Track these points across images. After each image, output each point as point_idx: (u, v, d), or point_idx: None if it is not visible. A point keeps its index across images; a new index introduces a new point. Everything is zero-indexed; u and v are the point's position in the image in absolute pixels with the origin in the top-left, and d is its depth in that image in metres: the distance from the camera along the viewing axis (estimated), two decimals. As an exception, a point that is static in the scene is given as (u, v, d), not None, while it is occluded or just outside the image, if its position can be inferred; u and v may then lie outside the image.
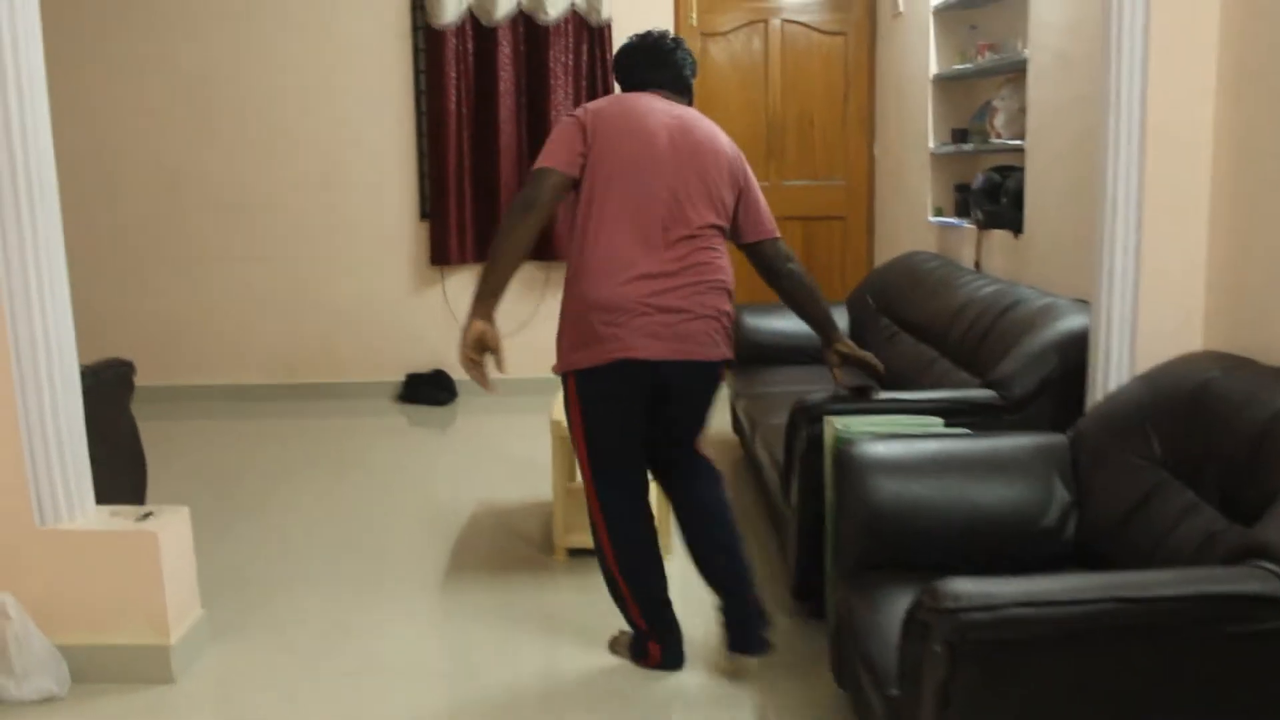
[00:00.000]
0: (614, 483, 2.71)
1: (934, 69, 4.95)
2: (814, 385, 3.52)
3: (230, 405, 5.93)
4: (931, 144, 5.01)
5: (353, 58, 5.77)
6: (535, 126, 5.74)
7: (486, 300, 2.56)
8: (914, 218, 5.27)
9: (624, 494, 2.72)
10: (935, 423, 2.76)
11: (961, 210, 4.94)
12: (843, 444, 2.51)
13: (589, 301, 2.55)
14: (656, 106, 2.65)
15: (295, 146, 5.84)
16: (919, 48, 5.10)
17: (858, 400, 2.92)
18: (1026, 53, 3.94)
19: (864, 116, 6.03)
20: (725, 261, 2.66)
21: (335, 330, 5.98)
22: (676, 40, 2.80)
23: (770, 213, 2.73)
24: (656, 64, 2.75)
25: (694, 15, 5.87)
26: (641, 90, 2.73)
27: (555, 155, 2.57)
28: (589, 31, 5.68)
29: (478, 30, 5.67)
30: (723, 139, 2.71)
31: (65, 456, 2.72)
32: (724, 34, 5.93)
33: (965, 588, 1.65)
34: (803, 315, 2.85)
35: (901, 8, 5.39)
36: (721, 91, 5.91)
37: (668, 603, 2.79)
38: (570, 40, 5.67)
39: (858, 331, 4.52)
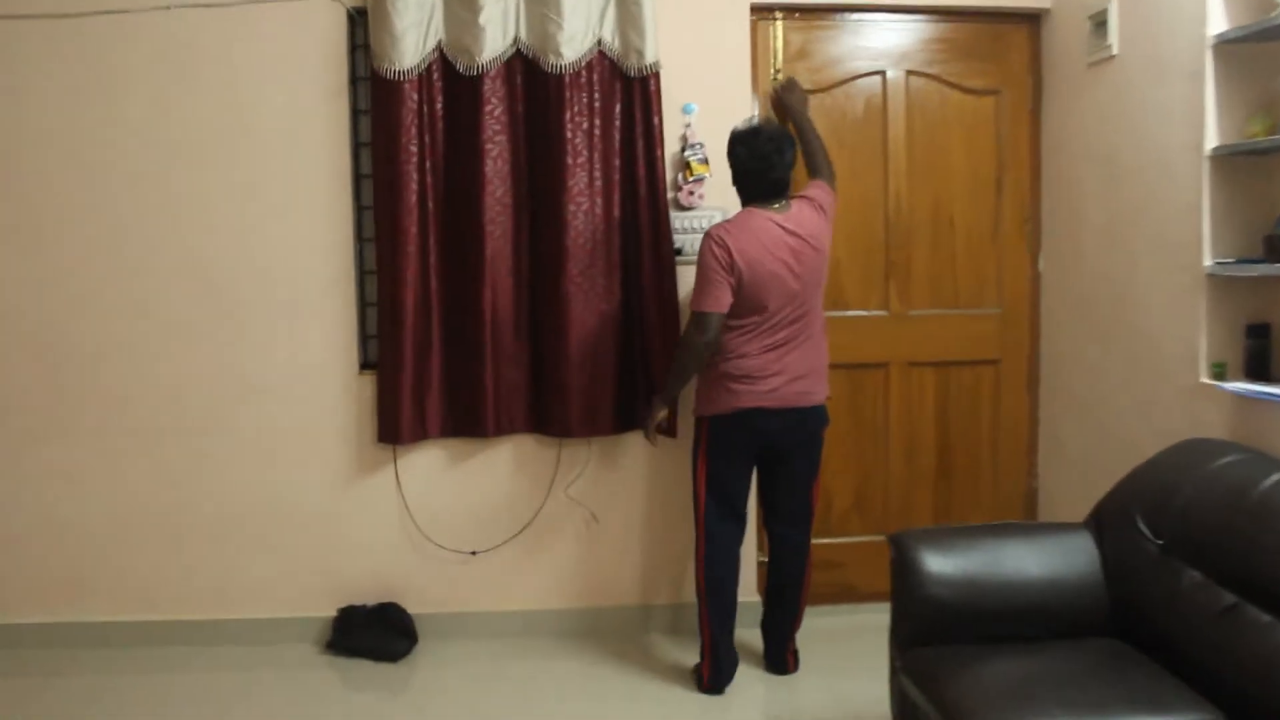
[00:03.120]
0: None
1: (1213, 140, 3.01)
2: None
3: (60, 654, 3.74)
4: (1208, 260, 3.04)
5: (253, 130, 3.73)
6: (542, 226, 3.72)
7: (671, 397, 3.49)
8: (1159, 374, 3.27)
9: None
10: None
11: (1257, 367, 2.99)
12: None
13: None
14: (775, 234, 3.25)
15: (169, 271, 3.76)
16: (1172, 106, 3.16)
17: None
18: None
19: (1027, 212, 4.06)
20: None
21: (226, 541, 3.83)
22: (779, 145, 3.29)
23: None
24: (762, 172, 3.30)
25: (777, 62, 3.90)
26: (758, 198, 3.34)
27: (716, 299, 3.22)
28: (624, 83, 3.70)
29: (452, 79, 3.66)
30: (824, 236, 3.35)
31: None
32: (827, 89, 3.95)
33: None
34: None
35: (1115, 48, 3.46)
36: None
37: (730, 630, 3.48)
38: (596, 94, 3.67)
39: (1125, 578, 2.68)
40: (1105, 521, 2.87)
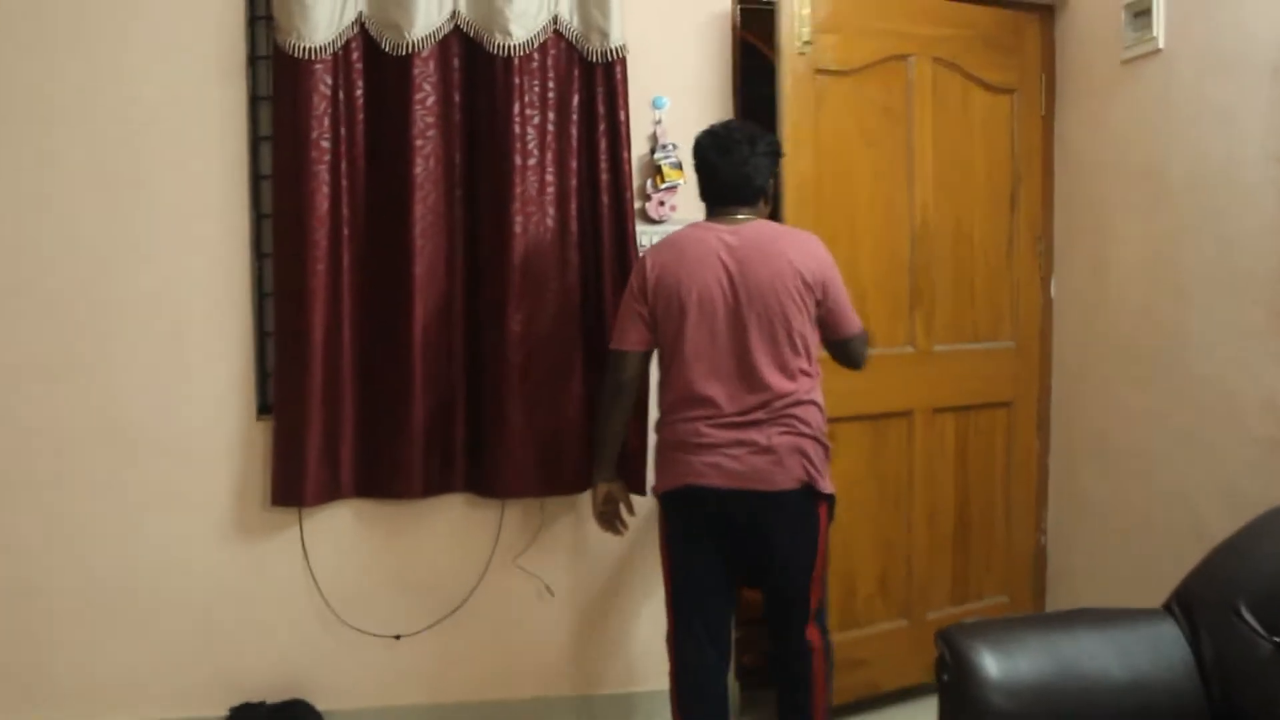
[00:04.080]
0: None
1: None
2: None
3: None
4: (1297, 290, 2.56)
5: (124, 120, 3.00)
6: (484, 241, 3.07)
7: (607, 463, 2.77)
8: (1225, 425, 2.76)
9: None
10: None
11: None
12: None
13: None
14: (709, 247, 2.58)
15: (17, 294, 3.01)
16: (1245, 109, 2.66)
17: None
18: None
19: (1038, 230, 3.55)
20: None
21: (90, 626, 3.08)
22: (752, 137, 2.63)
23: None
24: (722, 172, 2.64)
25: (804, 33, 3.17)
26: (718, 204, 2.67)
27: (624, 334, 2.66)
28: (584, 69, 3.08)
29: (375, 60, 3.00)
30: (792, 254, 2.58)
31: None
32: (853, 73, 3.25)
33: None
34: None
35: (1161, 40, 2.96)
36: (845, 183, 3.23)
37: None
38: (551, 82, 3.05)
39: (1229, 681, 2.20)
40: (1197, 611, 2.33)
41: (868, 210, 3.27)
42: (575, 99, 3.06)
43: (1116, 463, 3.23)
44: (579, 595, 3.27)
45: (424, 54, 2.97)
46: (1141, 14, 3.02)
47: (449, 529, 3.18)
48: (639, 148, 3.16)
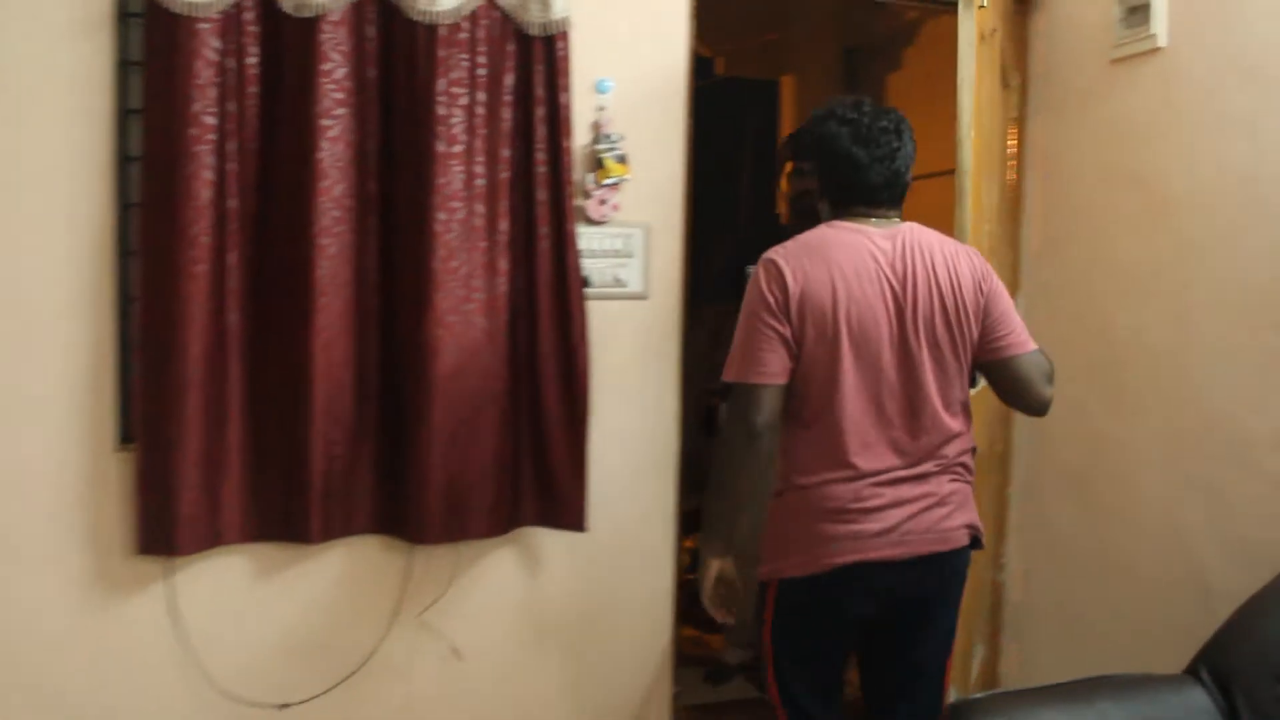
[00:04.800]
0: None
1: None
2: None
3: None
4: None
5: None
6: (400, 241, 2.61)
7: (726, 537, 2.16)
8: (1232, 462, 2.48)
9: None
10: None
11: None
12: None
13: None
14: (865, 254, 2.05)
15: None
16: (1265, 116, 2.40)
17: None
18: None
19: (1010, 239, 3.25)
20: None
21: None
22: (899, 124, 2.14)
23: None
24: (869, 168, 2.11)
25: None
26: (859, 205, 2.12)
27: (760, 362, 2.02)
28: (521, 44, 2.65)
29: (273, 24, 2.50)
30: (961, 263, 2.12)
31: None
32: None
33: None
34: None
35: (1162, 38, 2.69)
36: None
37: None
38: (482, 57, 2.60)
39: None
40: (1233, 679, 2.05)
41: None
42: (510, 78, 2.62)
43: (1094, 499, 2.95)
44: (495, 657, 2.82)
45: (333, 17, 2.49)
46: (1137, 9, 2.74)
47: (351, 578, 2.70)
48: (579, 138, 2.74)
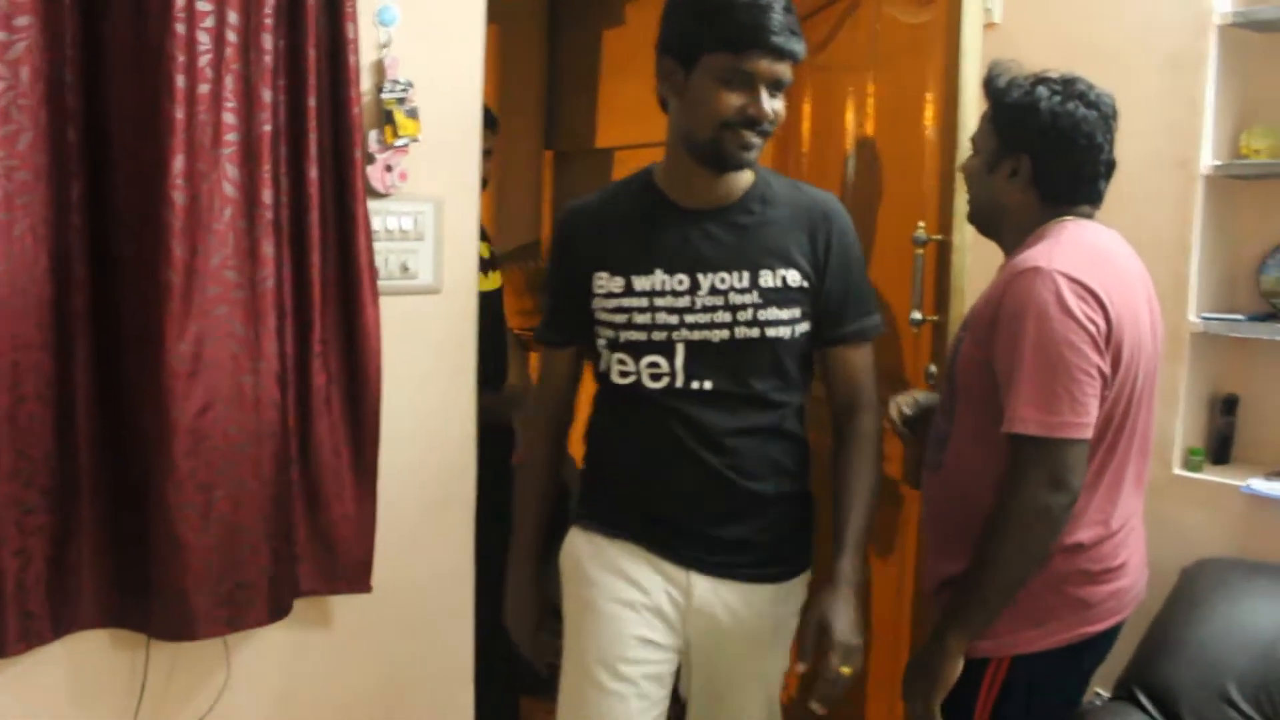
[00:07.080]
0: None
1: (1209, 157, 2.21)
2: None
3: None
4: (1193, 314, 2.25)
5: None
6: (117, 222, 1.82)
7: (986, 624, 1.68)
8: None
9: None
10: None
11: (1219, 450, 2.35)
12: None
13: None
14: (1134, 267, 1.76)
15: None
16: (1155, 106, 2.30)
17: None
18: None
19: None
20: None
21: None
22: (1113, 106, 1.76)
23: None
24: (1104, 147, 1.75)
25: None
26: (1085, 204, 1.79)
27: (1079, 405, 1.58)
28: (292, -35, 1.93)
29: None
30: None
31: None
32: None
33: None
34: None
35: (996, 14, 2.53)
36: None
37: None
38: (240, -24, 1.87)
39: None
40: (1177, 700, 1.95)
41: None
42: (278, 22, 1.91)
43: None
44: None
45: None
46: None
47: (71, 693, 1.90)
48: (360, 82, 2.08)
